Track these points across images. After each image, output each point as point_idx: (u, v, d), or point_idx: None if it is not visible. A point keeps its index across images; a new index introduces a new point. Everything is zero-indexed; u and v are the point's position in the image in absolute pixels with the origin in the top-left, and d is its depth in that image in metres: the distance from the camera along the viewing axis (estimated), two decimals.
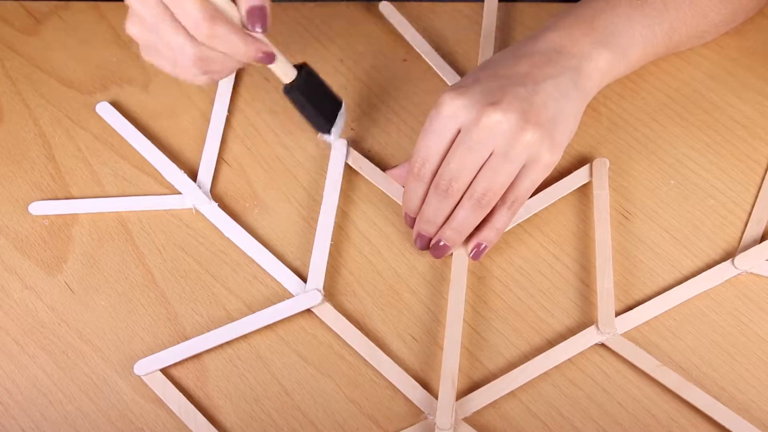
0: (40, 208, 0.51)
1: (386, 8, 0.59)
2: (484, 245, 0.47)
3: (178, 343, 0.47)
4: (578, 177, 0.51)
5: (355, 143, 0.54)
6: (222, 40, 0.41)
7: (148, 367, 0.45)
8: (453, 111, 0.44)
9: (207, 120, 0.55)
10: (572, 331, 0.46)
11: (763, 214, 0.50)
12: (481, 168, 0.44)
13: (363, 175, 0.52)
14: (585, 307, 0.48)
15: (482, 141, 0.43)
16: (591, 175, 0.51)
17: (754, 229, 0.49)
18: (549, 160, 0.45)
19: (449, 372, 0.44)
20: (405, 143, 0.54)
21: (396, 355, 0.46)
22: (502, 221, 0.46)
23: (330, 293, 0.48)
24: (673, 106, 0.55)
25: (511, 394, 0.45)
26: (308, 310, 0.47)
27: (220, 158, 0.54)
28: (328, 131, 0.50)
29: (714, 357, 0.46)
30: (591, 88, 0.48)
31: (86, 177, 0.53)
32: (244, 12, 0.42)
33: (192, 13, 0.40)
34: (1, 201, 0.52)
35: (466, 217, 0.45)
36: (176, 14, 0.41)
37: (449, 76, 0.55)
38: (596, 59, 0.47)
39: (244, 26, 0.42)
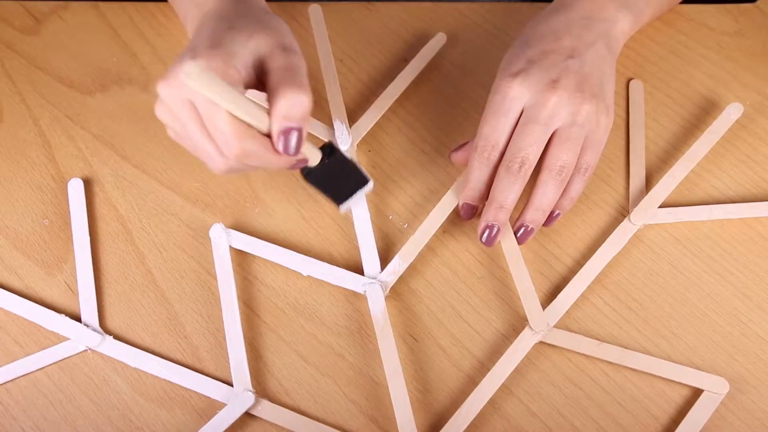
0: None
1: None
2: (557, 212, 0.48)
3: (178, 342, 0.47)
4: None
5: (355, 143, 0.54)
6: (252, 156, 0.39)
7: None
8: (517, 93, 0.46)
9: None
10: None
11: (639, 167, 0.52)
12: (549, 145, 0.46)
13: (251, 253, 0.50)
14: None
15: (549, 118, 0.45)
16: None
17: (637, 182, 0.51)
18: (607, 123, 0.47)
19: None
20: (405, 143, 0.54)
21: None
22: (577, 189, 0.48)
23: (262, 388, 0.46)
24: (673, 106, 0.55)
25: (511, 393, 0.45)
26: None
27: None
28: (338, 206, 0.48)
29: (714, 357, 0.46)
30: (618, 48, 0.51)
31: (86, 177, 0.53)
32: (275, 132, 0.39)
33: (223, 130, 0.38)
34: (1, 201, 0.52)
35: (549, 193, 0.46)
36: (207, 124, 0.39)
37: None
38: (621, 22, 0.50)
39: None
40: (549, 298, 0.48)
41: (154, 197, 0.52)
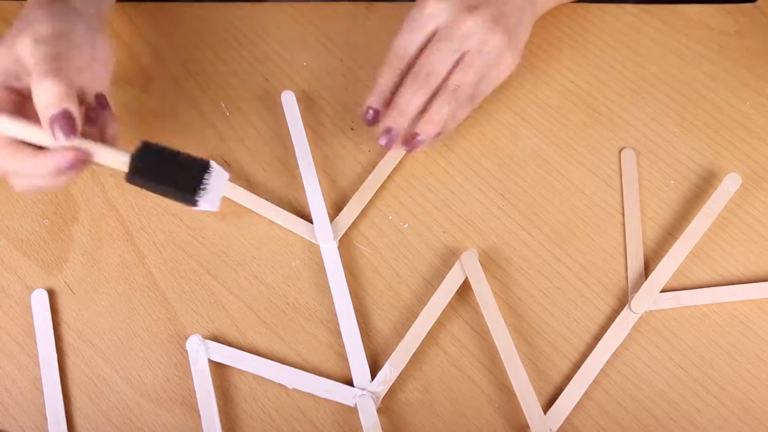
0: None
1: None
2: (420, 135, 0.48)
3: (178, 342, 0.47)
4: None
5: (354, 143, 0.54)
6: (20, 171, 0.40)
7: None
8: (435, 10, 0.48)
9: (207, 119, 0.55)
10: (572, 331, 0.47)
11: (637, 246, 0.49)
12: (455, 65, 0.48)
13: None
14: (585, 308, 0.48)
15: (460, 39, 0.48)
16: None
17: (635, 264, 0.49)
18: (511, 62, 0.50)
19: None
20: None
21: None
22: (462, 113, 0.50)
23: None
24: (673, 106, 0.55)
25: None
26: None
27: (220, 158, 0.54)
28: (194, 203, 0.41)
29: (714, 357, 0.46)
30: (538, 8, 0.54)
31: (86, 177, 0.53)
32: (46, 126, 0.39)
33: None
34: (1, 201, 0.52)
35: (442, 108, 0.48)
36: None
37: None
38: None
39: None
40: (552, 397, 0.45)
41: (154, 197, 0.52)
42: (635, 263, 0.49)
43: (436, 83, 0.48)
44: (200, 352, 0.45)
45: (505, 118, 0.55)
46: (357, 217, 0.51)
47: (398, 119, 0.48)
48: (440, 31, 0.48)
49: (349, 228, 0.51)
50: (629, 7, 0.60)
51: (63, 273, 0.50)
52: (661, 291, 0.47)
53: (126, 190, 0.52)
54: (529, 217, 0.51)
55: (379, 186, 0.51)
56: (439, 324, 0.47)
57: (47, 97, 0.38)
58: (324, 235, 0.49)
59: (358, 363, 0.45)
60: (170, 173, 0.40)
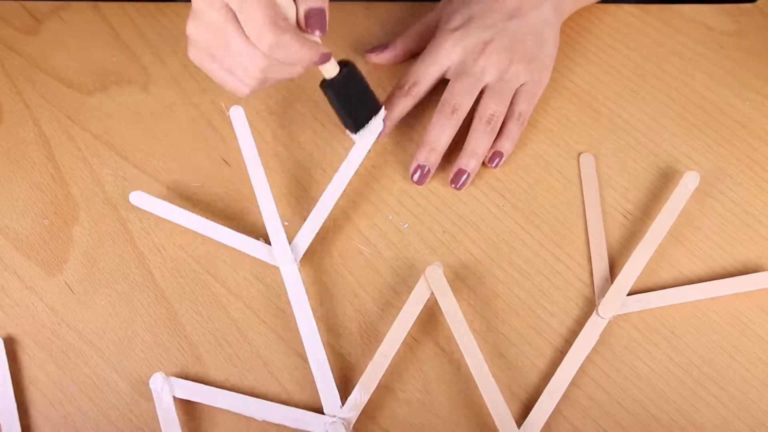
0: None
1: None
2: (503, 153, 0.51)
3: (178, 342, 0.47)
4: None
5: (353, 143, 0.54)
6: (285, 48, 0.41)
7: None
8: (450, 48, 0.51)
9: (207, 120, 0.55)
10: (573, 332, 0.47)
11: (601, 251, 0.49)
12: (480, 97, 0.51)
13: None
14: (587, 308, 0.48)
15: (478, 75, 0.50)
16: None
17: (600, 269, 0.48)
18: (540, 78, 0.52)
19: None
20: (405, 143, 0.54)
21: None
22: (515, 131, 0.51)
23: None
24: (673, 106, 0.55)
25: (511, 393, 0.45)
26: None
27: (219, 159, 0.54)
28: (353, 130, 0.50)
29: (714, 357, 0.46)
30: (566, 12, 0.55)
31: (86, 177, 0.53)
32: (302, 13, 0.42)
33: (257, 20, 0.39)
34: (1, 201, 0.52)
35: (480, 139, 0.50)
36: (241, 20, 0.40)
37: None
38: None
39: (301, 29, 0.42)
40: (525, 409, 0.44)
41: (154, 197, 0.52)
42: (600, 267, 0.48)
43: (463, 116, 0.50)
44: (164, 389, 0.44)
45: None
46: (357, 217, 0.51)
47: (429, 156, 0.50)
48: (458, 67, 0.51)
49: (316, 247, 0.50)
50: (628, 7, 0.60)
51: (63, 273, 0.50)
52: (630, 294, 0.46)
53: (126, 189, 0.52)
54: (529, 217, 0.51)
55: (335, 201, 0.49)
56: (435, 322, 0.47)
57: None
58: (283, 257, 0.47)
59: (326, 389, 0.44)
60: (353, 100, 0.48)
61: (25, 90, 0.57)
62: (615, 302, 0.46)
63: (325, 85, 0.47)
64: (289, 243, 0.48)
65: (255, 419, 0.44)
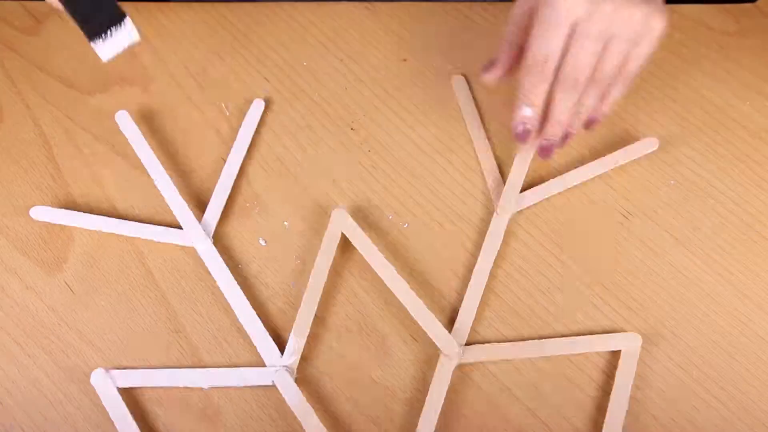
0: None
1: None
2: (599, 119, 0.49)
3: (178, 342, 0.47)
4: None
5: (356, 144, 0.54)
6: None
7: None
8: (569, 5, 0.45)
9: (206, 120, 0.55)
10: (578, 324, 0.47)
11: (491, 162, 0.53)
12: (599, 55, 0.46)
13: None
14: (587, 309, 0.48)
15: (602, 31, 0.45)
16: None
17: (492, 174, 0.52)
18: (659, 28, 0.46)
19: None
20: (405, 143, 0.54)
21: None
22: (616, 95, 0.48)
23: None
24: (673, 106, 0.55)
25: (506, 389, 0.45)
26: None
27: (219, 159, 0.54)
28: (93, 39, 0.46)
29: (714, 357, 0.46)
30: None
31: (86, 177, 0.53)
32: None
33: None
34: (1, 201, 0.52)
35: (592, 104, 0.47)
36: None
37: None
38: None
39: None
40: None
41: (154, 197, 0.52)
42: (492, 177, 0.52)
43: (584, 83, 0.47)
44: (107, 383, 0.45)
45: (505, 118, 0.55)
46: (357, 217, 0.51)
47: (555, 130, 0.48)
48: (580, 27, 0.46)
49: (316, 246, 0.50)
50: None
51: (63, 273, 0.50)
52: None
53: (126, 189, 0.52)
54: (530, 217, 0.51)
55: (235, 174, 0.52)
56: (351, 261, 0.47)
57: None
58: (197, 236, 0.49)
59: (262, 343, 0.46)
60: (92, 13, 0.45)
61: (25, 90, 0.57)
62: (511, 199, 0.50)
63: None
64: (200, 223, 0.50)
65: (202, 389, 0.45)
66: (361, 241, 0.48)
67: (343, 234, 0.48)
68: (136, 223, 0.50)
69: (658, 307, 0.47)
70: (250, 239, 0.50)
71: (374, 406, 0.45)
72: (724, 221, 0.50)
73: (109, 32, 0.46)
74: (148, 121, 0.55)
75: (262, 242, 0.50)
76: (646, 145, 0.52)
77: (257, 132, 0.55)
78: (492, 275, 0.48)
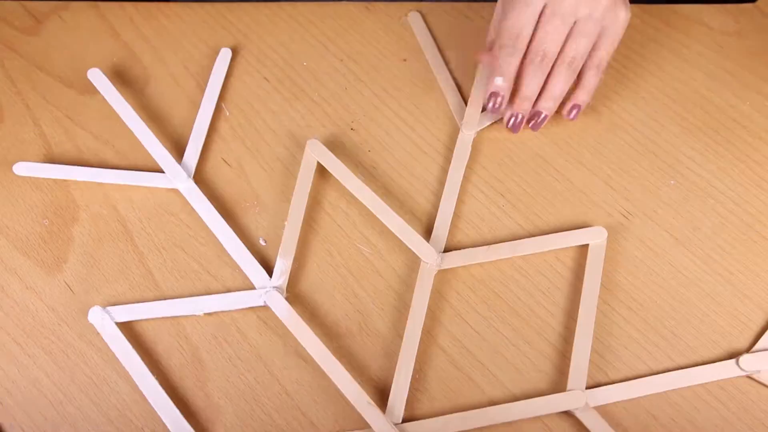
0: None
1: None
2: (580, 105, 0.52)
3: (178, 342, 0.47)
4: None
5: (355, 144, 0.54)
6: None
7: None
8: None
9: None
10: (570, 332, 0.47)
11: (452, 90, 0.56)
12: (567, 36, 0.50)
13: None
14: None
15: (570, 11, 0.49)
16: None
17: (454, 100, 0.55)
18: (624, 17, 0.50)
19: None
20: (405, 143, 0.54)
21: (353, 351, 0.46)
22: (591, 81, 0.51)
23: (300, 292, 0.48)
24: (673, 106, 0.55)
25: (485, 288, 0.48)
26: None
27: (220, 159, 0.54)
28: None
29: (714, 357, 0.46)
30: None
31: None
32: None
33: None
34: (1, 201, 0.52)
35: (560, 83, 0.50)
36: None
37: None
38: None
39: None
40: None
41: (154, 197, 0.52)
42: (454, 100, 0.56)
43: (552, 60, 0.50)
44: (105, 319, 0.46)
45: (463, 47, 0.57)
46: (357, 217, 0.51)
47: (523, 105, 0.51)
48: (550, 6, 0.49)
49: (316, 247, 0.50)
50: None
51: (63, 273, 0.50)
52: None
53: (126, 189, 0.52)
54: (529, 217, 0.51)
55: (211, 112, 0.55)
56: (326, 185, 0.47)
57: None
58: (177, 176, 0.51)
59: (251, 268, 0.48)
60: None
61: (25, 90, 0.57)
62: (473, 116, 0.54)
63: None
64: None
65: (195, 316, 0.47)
66: (336, 166, 0.51)
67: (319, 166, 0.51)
68: (120, 170, 0.52)
69: (658, 307, 0.47)
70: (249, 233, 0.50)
71: (363, 316, 0.48)
72: (724, 221, 0.50)
73: None
74: (148, 120, 0.55)
75: (262, 242, 0.50)
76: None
77: (256, 131, 0.55)
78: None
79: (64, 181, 0.53)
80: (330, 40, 0.59)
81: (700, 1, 0.59)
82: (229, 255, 0.49)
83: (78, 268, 0.50)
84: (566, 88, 0.51)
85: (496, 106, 0.51)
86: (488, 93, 0.51)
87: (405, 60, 0.58)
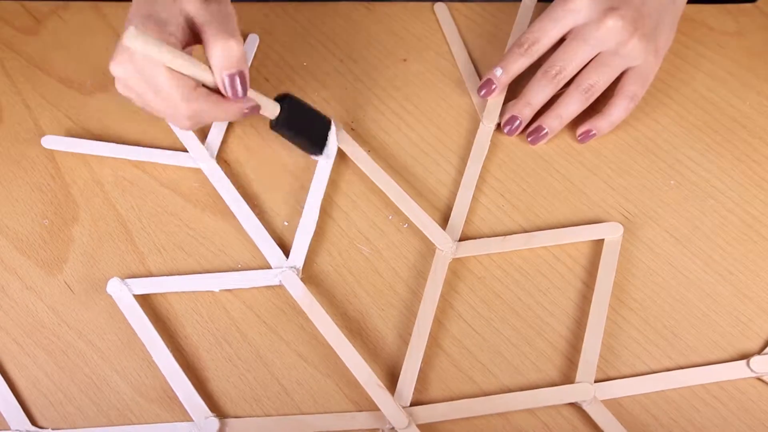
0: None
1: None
2: (594, 132, 0.51)
3: (179, 343, 0.47)
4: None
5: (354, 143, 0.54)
6: (204, 113, 0.44)
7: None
8: (578, 6, 0.48)
9: None
10: (572, 333, 0.47)
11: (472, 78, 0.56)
12: (587, 65, 0.49)
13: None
14: (586, 307, 0.48)
15: (598, 39, 0.48)
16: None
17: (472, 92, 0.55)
18: (654, 63, 0.50)
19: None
20: (405, 143, 0.54)
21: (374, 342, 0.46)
22: (618, 114, 0.51)
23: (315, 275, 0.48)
24: (673, 106, 0.55)
25: (497, 279, 0.49)
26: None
27: (222, 160, 0.54)
28: (319, 153, 0.51)
29: (714, 357, 0.46)
30: (683, 4, 0.53)
31: (86, 177, 0.53)
32: (219, 79, 0.43)
33: (168, 93, 0.42)
34: (1, 201, 0.52)
35: (571, 105, 0.50)
36: (156, 92, 0.42)
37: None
38: None
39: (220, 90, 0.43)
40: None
41: (154, 197, 0.52)
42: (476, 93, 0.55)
43: (565, 81, 0.50)
44: (123, 290, 0.47)
45: (486, 43, 0.57)
46: (357, 217, 0.51)
47: (524, 110, 0.51)
48: (578, 29, 0.49)
49: (315, 246, 0.51)
50: None
51: (63, 273, 0.50)
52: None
53: (126, 189, 0.52)
54: (529, 217, 0.51)
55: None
56: (346, 174, 0.47)
57: (229, 57, 0.42)
58: (201, 155, 0.52)
59: (268, 248, 0.49)
60: (306, 126, 0.49)
61: (25, 90, 0.57)
62: (494, 112, 0.53)
63: (274, 126, 0.48)
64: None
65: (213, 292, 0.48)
66: (356, 151, 0.52)
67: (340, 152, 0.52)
68: (145, 147, 0.53)
69: (658, 307, 0.47)
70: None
71: (377, 300, 0.48)
72: (724, 221, 0.50)
73: (326, 140, 0.51)
74: (149, 120, 0.55)
75: (285, 223, 0.50)
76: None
77: (256, 131, 0.55)
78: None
79: (64, 180, 0.53)
80: (330, 40, 0.59)
81: (700, 1, 0.59)
82: (229, 254, 0.49)
83: (78, 268, 0.50)
84: (575, 113, 0.51)
85: (487, 94, 0.52)
86: (484, 79, 0.52)
87: (405, 60, 0.58)
